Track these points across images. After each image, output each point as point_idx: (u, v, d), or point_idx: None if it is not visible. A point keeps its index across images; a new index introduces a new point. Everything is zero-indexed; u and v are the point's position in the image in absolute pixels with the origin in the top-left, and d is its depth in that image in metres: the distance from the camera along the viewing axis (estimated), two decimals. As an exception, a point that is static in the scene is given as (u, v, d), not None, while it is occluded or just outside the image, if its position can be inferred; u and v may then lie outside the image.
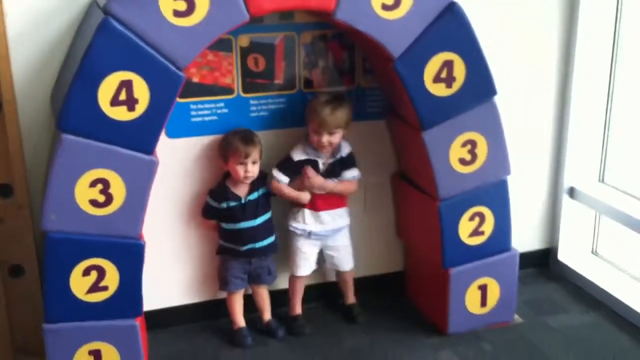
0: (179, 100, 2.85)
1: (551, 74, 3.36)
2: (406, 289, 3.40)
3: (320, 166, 2.93)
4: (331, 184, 2.95)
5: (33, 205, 2.74)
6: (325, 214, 2.99)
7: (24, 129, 2.70)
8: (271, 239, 2.98)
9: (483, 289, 3.03)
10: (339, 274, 3.20)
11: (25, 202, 2.71)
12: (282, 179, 2.92)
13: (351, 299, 3.23)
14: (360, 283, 3.35)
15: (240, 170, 2.81)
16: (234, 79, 2.90)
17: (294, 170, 2.92)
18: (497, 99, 3.08)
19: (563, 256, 3.59)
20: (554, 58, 3.34)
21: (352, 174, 3.00)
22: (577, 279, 3.47)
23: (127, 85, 2.36)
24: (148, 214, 2.82)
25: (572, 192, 3.49)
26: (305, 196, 2.93)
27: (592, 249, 3.59)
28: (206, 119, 2.92)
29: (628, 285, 3.29)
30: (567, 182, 3.49)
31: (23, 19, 2.60)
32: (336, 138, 2.87)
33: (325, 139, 2.84)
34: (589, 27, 3.26)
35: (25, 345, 2.85)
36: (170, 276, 3.09)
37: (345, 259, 3.12)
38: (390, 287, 3.40)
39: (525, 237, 3.58)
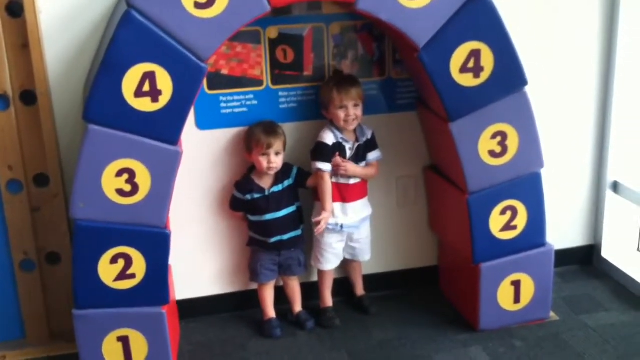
0: (208, 92, 2.90)
1: (593, 62, 3.25)
2: (439, 284, 3.35)
3: (348, 151, 2.92)
4: (361, 169, 2.95)
5: (68, 194, 2.82)
6: (353, 205, 2.98)
7: (58, 121, 2.78)
8: (298, 231, 2.99)
9: (516, 285, 2.96)
10: (350, 264, 3.18)
11: (60, 191, 2.80)
12: (326, 168, 2.89)
13: (361, 290, 3.23)
14: (393, 277, 3.34)
15: (263, 161, 2.82)
16: (263, 71, 2.92)
17: (332, 155, 2.90)
18: (536, 90, 3.02)
19: (607, 253, 3.47)
20: (596, 45, 3.23)
21: (375, 155, 3.00)
22: (620, 276, 3.35)
23: (150, 76, 2.41)
24: (179, 204, 2.90)
25: (615, 187, 3.38)
26: (329, 206, 2.92)
27: (638, 246, 3.45)
28: (236, 110, 2.95)
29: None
30: (610, 176, 3.37)
31: (56, 14, 2.67)
32: (360, 111, 2.87)
33: (352, 112, 2.83)
34: (634, 9, 3.13)
35: (61, 331, 2.94)
36: (203, 267, 3.14)
37: (366, 250, 3.12)
38: (424, 281, 3.36)
39: (568, 233, 3.50)
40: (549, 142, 3.22)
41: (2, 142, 2.72)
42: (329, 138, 2.89)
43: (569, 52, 3.21)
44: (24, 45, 2.64)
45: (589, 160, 3.41)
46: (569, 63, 3.22)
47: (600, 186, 3.43)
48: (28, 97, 2.72)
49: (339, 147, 2.91)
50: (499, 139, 2.76)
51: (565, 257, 3.47)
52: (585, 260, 3.54)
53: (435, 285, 3.36)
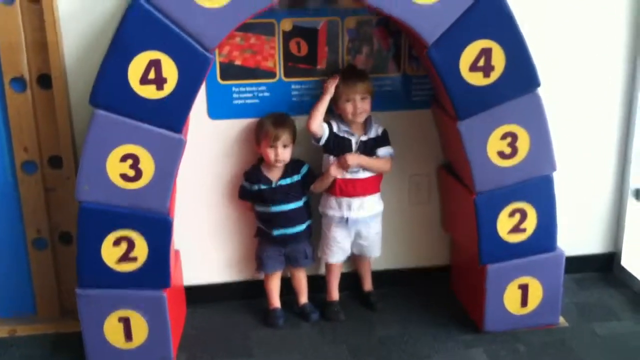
0: (221, 82, 2.93)
1: (618, 65, 3.15)
2: (451, 284, 3.32)
3: (353, 145, 2.91)
4: (367, 159, 2.92)
5: (81, 177, 2.88)
6: (359, 201, 2.96)
7: (74, 105, 2.84)
8: (303, 226, 2.99)
9: (524, 288, 2.91)
10: (359, 259, 3.17)
11: (73, 173, 2.86)
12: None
13: (369, 285, 3.21)
14: (403, 274, 3.32)
15: (270, 153, 2.84)
16: (276, 63, 2.93)
17: (328, 135, 2.91)
18: (558, 92, 2.98)
19: (626, 262, 3.37)
20: (621, 47, 3.12)
21: (385, 151, 2.96)
22: (638, 286, 3.26)
23: (156, 64, 2.45)
24: (190, 191, 2.96)
25: (638, 194, 3.28)
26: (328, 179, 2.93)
27: (659, 255, 3.35)
28: (248, 101, 2.97)
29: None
30: (632, 183, 3.27)
31: (74, -1, 2.73)
32: (367, 105, 2.86)
33: (359, 105, 2.83)
34: None
35: (71, 308, 3.00)
36: (212, 254, 3.18)
37: (374, 248, 3.10)
38: (435, 280, 3.33)
39: (588, 240, 3.42)
40: (571, 145, 3.17)
41: (18, 124, 2.80)
42: (334, 126, 2.91)
43: (594, 53, 3.12)
44: (41, 29, 2.70)
45: (612, 166, 3.31)
46: (593, 64, 3.13)
47: (622, 193, 3.34)
48: (44, 80, 2.79)
49: (341, 140, 2.90)
50: (509, 139, 2.71)
51: (584, 263, 3.40)
52: (604, 267, 3.46)
53: (446, 285, 3.32)
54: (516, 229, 2.84)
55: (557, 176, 2.83)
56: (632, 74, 3.16)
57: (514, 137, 2.71)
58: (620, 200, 3.36)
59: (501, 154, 2.72)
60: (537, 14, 2.96)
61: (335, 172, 2.90)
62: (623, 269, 3.37)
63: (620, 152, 3.28)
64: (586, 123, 3.22)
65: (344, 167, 2.88)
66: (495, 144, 2.71)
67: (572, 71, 3.12)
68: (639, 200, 3.28)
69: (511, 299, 2.92)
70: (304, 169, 2.95)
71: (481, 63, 2.59)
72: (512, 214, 2.81)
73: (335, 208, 2.98)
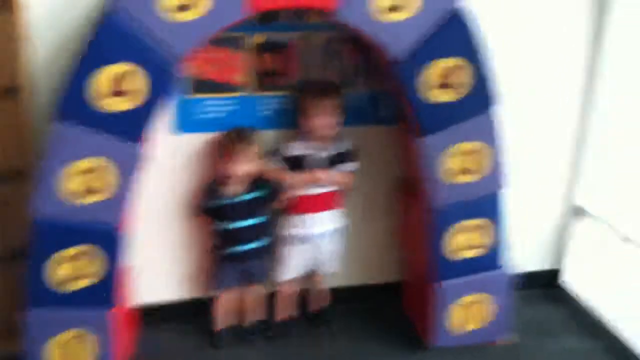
0: (189, 96, 2.85)
1: (574, 90, 3.23)
2: (403, 300, 3.34)
3: (319, 161, 2.90)
4: (337, 175, 2.92)
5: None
6: (322, 216, 2.96)
7: (39, 116, 2.70)
8: (260, 244, 2.94)
9: (472, 305, 2.96)
10: (312, 276, 3.15)
11: (29, 188, 2.70)
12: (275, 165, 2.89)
13: (320, 303, 3.22)
14: (357, 291, 3.33)
15: (233, 168, 2.79)
16: (245, 77, 2.88)
17: (289, 163, 2.90)
18: (512, 110, 3.01)
19: (569, 278, 3.49)
20: (578, 68, 3.21)
21: (347, 167, 2.96)
22: (581, 302, 3.37)
23: (121, 76, 2.38)
24: (148, 206, 2.88)
25: (580, 213, 3.39)
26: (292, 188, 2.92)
27: (600, 272, 3.47)
28: (215, 115, 2.90)
29: (634, 312, 3.15)
30: (576, 201, 3.40)
31: (44, 6, 2.61)
32: (335, 120, 2.85)
33: (326, 121, 2.82)
34: (619, 34, 3.09)
35: (17, 327, 2.84)
36: (166, 271, 3.11)
37: (330, 264, 3.09)
38: (388, 297, 3.34)
39: (533, 257, 3.52)
40: (521, 163, 3.22)
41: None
42: (294, 149, 2.89)
43: (550, 73, 3.18)
44: (9, 40, 2.57)
45: (558, 185, 3.41)
46: (547, 85, 3.20)
47: (566, 211, 3.45)
48: (8, 91, 2.65)
49: (303, 158, 2.89)
50: (467, 157, 2.75)
51: (529, 280, 3.48)
52: (548, 284, 3.56)
53: (399, 302, 3.34)
54: (467, 246, 2.88)
55: (506, 194, 2.89)
56: (587, 100, 3.24)
57: (472, 154, 2.75)
58: (564, 218, 3.46)
59: (459, 171, 2.76)
60: (499, 34, 3.00)
61: (296, 190, 2.89)
62: (566, 286, 3.48)
63: (567, 171, 3.37)
64: (537, 143, 3.29)
65: (315, 181, 2.87)
66: (453, 161, 2.75)
67: (527, 90, 3.18)
68: (582, 218, 3.39)
69: (459, 316, 2.96)
70: (267, 186, 2.92)
71: (446, 80, 2.63)
72: (464, 231, 2.85)
73: (295, 226, 2.96)
